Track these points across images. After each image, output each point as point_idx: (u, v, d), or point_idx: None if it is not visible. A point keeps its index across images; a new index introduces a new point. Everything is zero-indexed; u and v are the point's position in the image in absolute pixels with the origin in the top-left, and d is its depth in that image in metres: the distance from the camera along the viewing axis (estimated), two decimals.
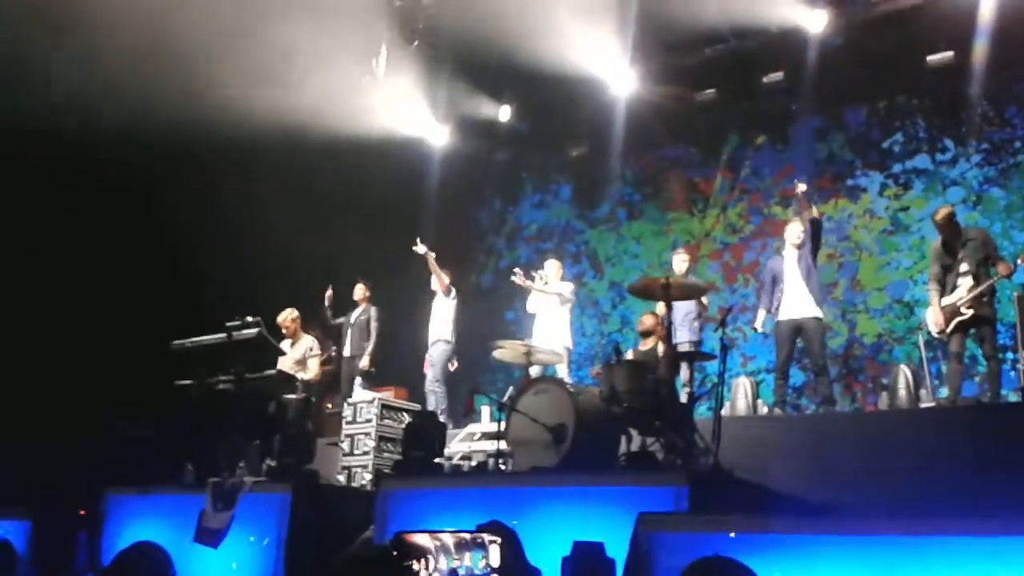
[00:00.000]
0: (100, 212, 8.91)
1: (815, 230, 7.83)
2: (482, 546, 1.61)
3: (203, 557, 6.08)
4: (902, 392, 7.77)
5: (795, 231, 7.80)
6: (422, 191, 12.50)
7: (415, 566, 1.61)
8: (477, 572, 1.73)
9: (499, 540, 1.56)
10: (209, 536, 6.10)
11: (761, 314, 7.91)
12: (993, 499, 4.72)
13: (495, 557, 1.54)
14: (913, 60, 9.75)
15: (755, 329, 8.09)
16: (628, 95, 11.13)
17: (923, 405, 7.62)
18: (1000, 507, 3.92)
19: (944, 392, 7.52)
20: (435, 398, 8.98)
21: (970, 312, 6.89)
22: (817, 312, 7.58)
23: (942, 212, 7.25)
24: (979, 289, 6.88)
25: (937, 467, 5.85)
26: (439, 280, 9.23)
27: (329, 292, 9.80)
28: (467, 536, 1.61)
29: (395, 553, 1.62)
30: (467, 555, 1.71)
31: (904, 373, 7.89)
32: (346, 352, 9.48)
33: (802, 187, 7.95)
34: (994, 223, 9.49)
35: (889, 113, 10.49)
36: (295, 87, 10.32)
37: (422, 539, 1.62)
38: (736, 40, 10.13)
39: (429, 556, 1.62)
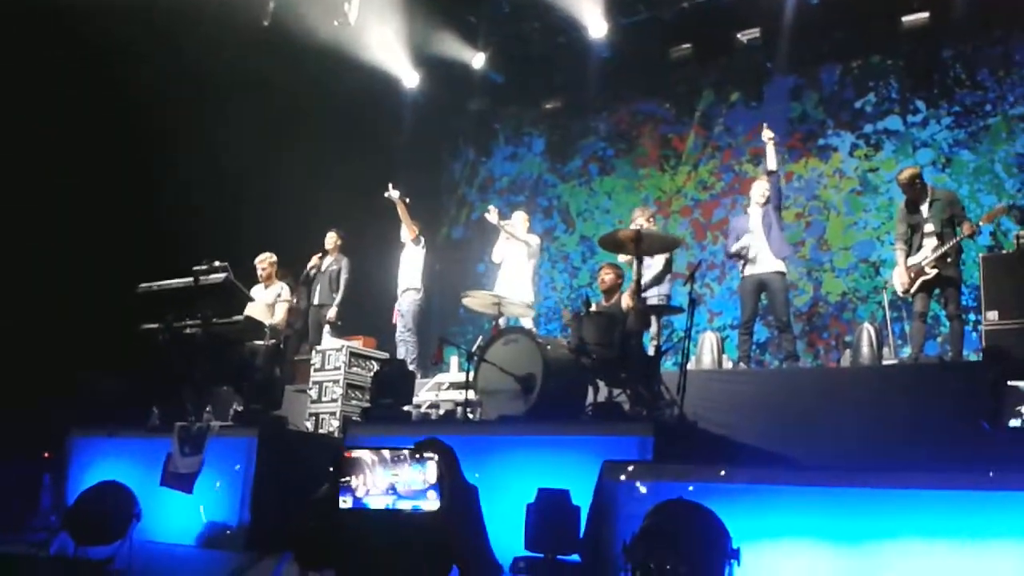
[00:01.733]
0: (63, 152, 8.72)
1: (773, 186, 7.85)
2: (420, 461, 1.64)
3: (169, 500, 6.09)
4: (865, 350, 7.88)
5: (760, 189, 7.85)
6: (396, 140, 12.38)
7: (353, 482, 1.63)
8: (415, 487, 1.76)
9: (436, 456, 1.59)
10: (178, 480, 6.10)
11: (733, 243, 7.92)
12: (954, 454, 4.83)
13: (432, 472, 1.56)
14: (888, 20, 9.76)
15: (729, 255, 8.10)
16: (603, 49, 11.06)
17: (885, 363, 7.73)
18: (961, 461, 4.02)
19: (907, 351, 7.64)
20: (405, 347, 8.98)
21: (934, 272, 6.98)
22: (780, 267, 7.64)
23: (906, 172, 7.31)
24: (943, 249, 6.96)
25: (897, 423, 5.97)
26: (408, 228, 9.18)
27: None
28: (405, 452, 1.64)
29: (332, 468, 1.65)
30: (405, 470, 1.74)
31: (868, 331, 8.00)
32: (315, 300, 9.43)
33: (769, 134, 7.97)
34: (962, 185, 9.60)
35: (863, 73, 10.52)
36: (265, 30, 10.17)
37: (361, 454, 1.64)
38: None
39: (367, 471, 1.64)
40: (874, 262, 9.96)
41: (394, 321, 9.24)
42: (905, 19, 9.68)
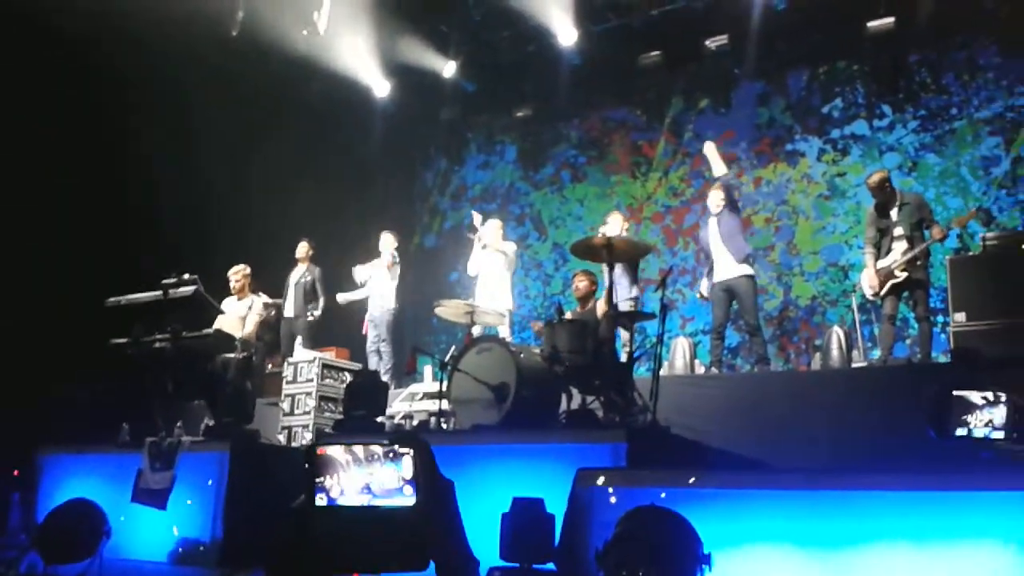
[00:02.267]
0: (31, 164, 8.62)
1: (726, 193, 7.91)
2: (395, 458, 1.63)
3: (140, 516, 6.02)
4: (835, 353, 7.94)
5: (714, 199, 7.91)
6: (367, 149, 12.36)
7: (327, 481, 1.61)
8: (389, 485, 1.75)
9: (411, 451, 1.58)
10: (150, 496, 6.03)
11: (704, 282, 8.00)
12: (923, 456, 4.88)
13: (407, 468, 1.55)
14: (854, 26, 9.88)
15: (700, 295, 8.17)
16: (573, 56, 11.12)
17: (855, 365, 7.80)
18: (930, 463, 4.06)
19: (876, 353, 7.72)
20: (379, 358, 8.97)
21: (904, 275, 7.06)
22: (746, 271, 7.68)
23: (875, 176, 7.38)
24: (913, 252, 7.04)
25: (868, 425, 6.01)
26: (388, 263, 9.15)
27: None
28: (379, 449, 1.63)
29: (306, 466, 1.63)
30: (379, 467, 1.73)
31: (837, 334, 8.07)
32: (288, 312, 9.37)
33: (709, 145, 8.05)
34: (928, 189, 9.72)
35: (829, 79, 10.64)
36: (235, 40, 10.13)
37: (335, 451, 1.62)
38: (683, 1, 10.13)
39: (341, 470, 1.63)
40: (843, 266, 10.06)
41: (364, 332, 9.21)
42: (870, 25, 9.77)
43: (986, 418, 1.79)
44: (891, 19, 9.66)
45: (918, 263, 7.07)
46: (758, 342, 7.69)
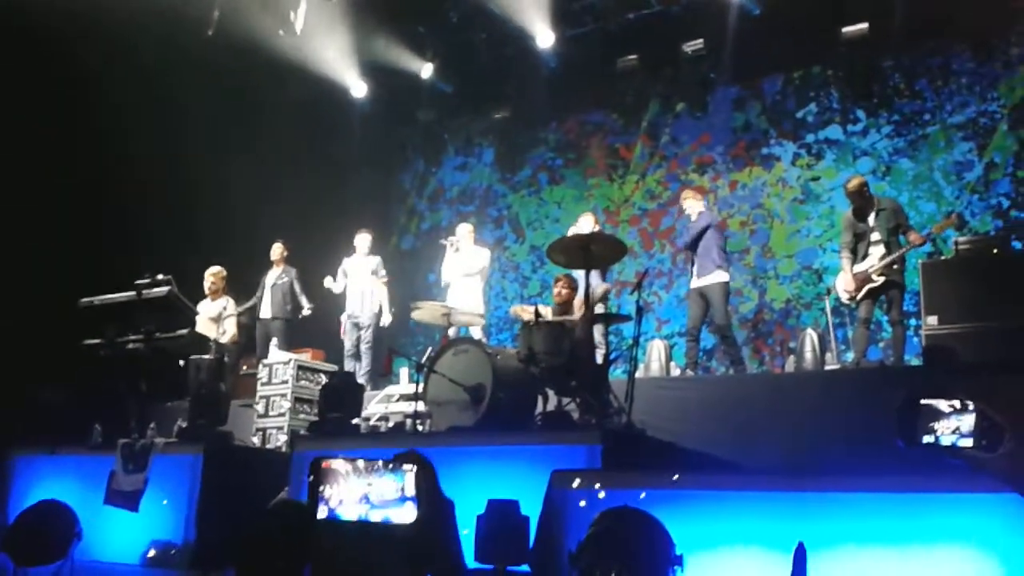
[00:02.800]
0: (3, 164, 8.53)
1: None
2: (397, 472, 1.63)
3: (113, 518, 5.97)
4: (808, 355, 8.00)
5: (694, 206, 8.19)
6: (344, 150, 12.34)
7: (327, 491, 1.62)
8: (388, 496, 1.75)
9: (414, 468, 1.59)
10: (122, 498, 5.99)
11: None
12: (897, 457, 4.92)
13: (410, 484, 1.55)
14: (828, 31, 9.96)
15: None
16: (551, 59, 11.15)
17: (828, 368, 7.87)
18: (904, 464, 4.09)
19: (850, 356, 7.79)
20: (355, 361, 8.97)
21: (881, 279, 7.14)
22: (717, 278, 7.80)
23: (854, 181, 7.47)
24: (891, 257, 7.12)
25: (841, 427, 6.06)
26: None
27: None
28: (380, 463, 1.63)
29: (311, 477, 1.64)
30: (379, 480, 1.73)
31: (811, 337, 8.14)
32: (264, 314, 9.32)
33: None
34: (902, 193, 9.81)
35: (804, 83, 10.72)
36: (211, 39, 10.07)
37: (338, 464, 1.62)
38: (659, 5, 10.18)
39: (341, 480, 1.63)
40: (817, 269, 10.13)
41: (342, 337, 9.20)
42: (845, 30, 9.88)
43: (954, 425, 1.82)
44: (865, 25, 9.76)
45: (895, 267, 7.15)
46: (728, 343, 7.78)
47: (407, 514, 1.61)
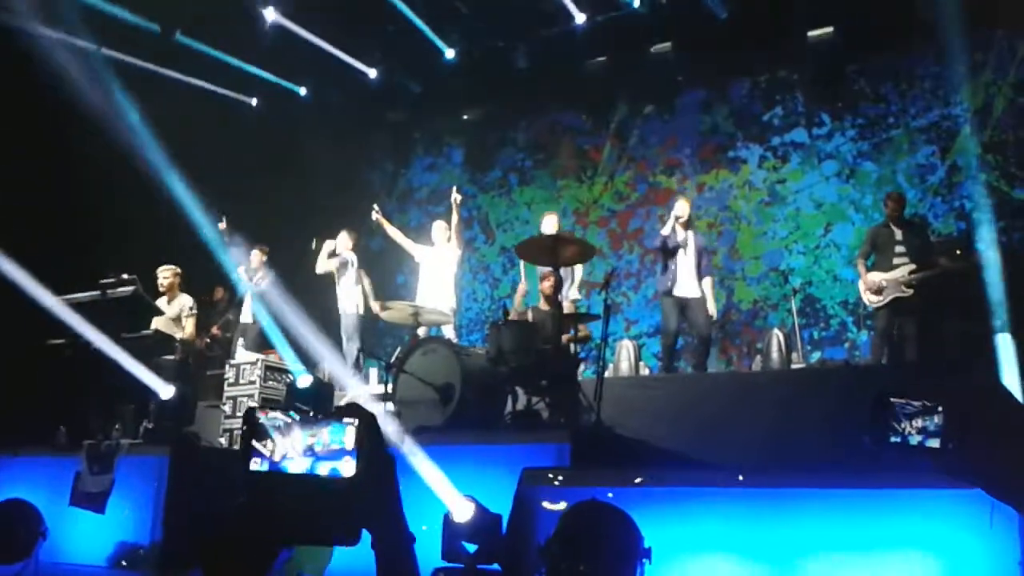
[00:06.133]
0: None
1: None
2: (339, 424, 1.62)
3: (79, 520, 5.90)
4: (775, 355, 8.11)
5: (684, 209, 8.16)
6: (314, 152, 12.27)
7: (268, 445, 1.60)
8: (334, 447, 1.74)
9: (355, 420, 1.59)
10: (88, 500, 5.93)
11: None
12: (862, 455, 4.98)
13: (351, 438, 1.55)
14: (794, 35, 10.07)
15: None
16: (520, 60, 11.17)
17: (795, 367, 7.97)
18: (867, 462, 4.15)
19: (816, 356, 7.91)
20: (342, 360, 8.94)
21: (911, 291, 7.30)
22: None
23: (897, 193, 7.82)
24: (923, 275, 7.32)
25: (808, 425, 6.13)
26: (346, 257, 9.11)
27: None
28: (322, 415, 1.63)
29: (244, 428, 1.62)
30: (324, 432, 1.72)
31: (777, 337, 8.24)
32: (246, 319, 9.25)
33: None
34: (865, 196, 9.95)
35: (770, 87, 10.84)
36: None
37: (277, 415, 1.59)
38: (627, 8, 10.22)
39: (283, 432, 1.61)
40: (783, 271, 10.23)
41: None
42: (810, 34, 9.99)
43: (921, 425, 1.85)
44: (830, 29, 9.88)
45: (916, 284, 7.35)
46: (703, 354, 7.84)
47: (349, 468, 1.61)
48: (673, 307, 7.81)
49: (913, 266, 7.38)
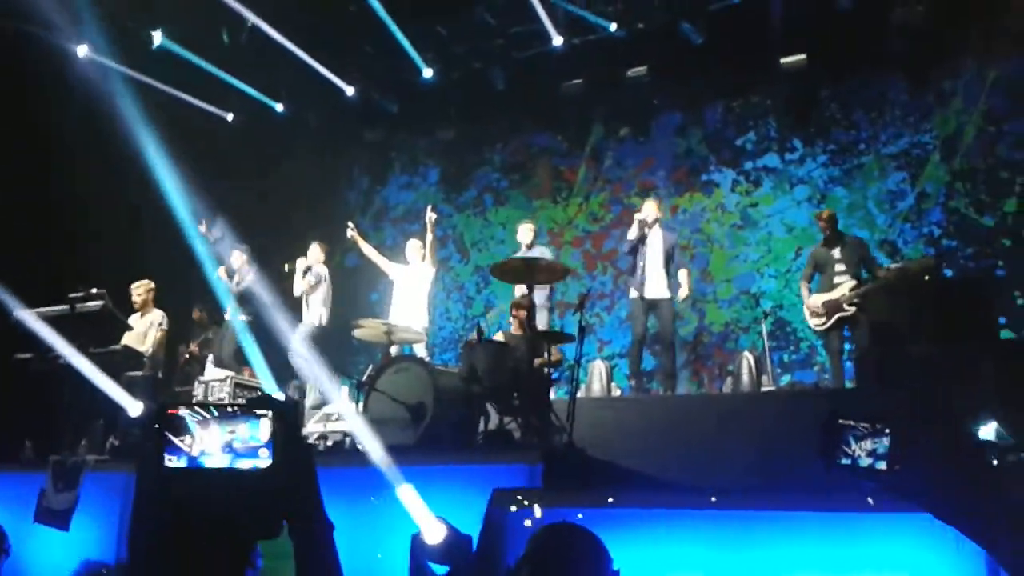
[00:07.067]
0: None
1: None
2: (253, 418, 1.61)
3: (43, 537, 5.81)
4: (745, 378, 8.17)
5: (652, 210, 8.26)
6: (290, 169, 12.25)
7: (185, 441, 1.57)
8: (252, 443, 1.72)
9: (268, 413, 1.57)
10: (52, 517, 5.83)
11: None
12: (828, 477, 5.02)
13: (265, 430, 1.53)
14: (768, 61, 10.19)
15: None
16: (498, 81, 11.23)
17: (764, 390, 8.02)
18: (834, 485, 4.18)
19: (786, 379, 7.97)
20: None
21: (852, 309, 7.35)
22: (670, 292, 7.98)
23: (828, 211, 7.92)
24: (864, 289, 7.38)
25: (776, 447, 6.17)
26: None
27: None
28: (237, 408, 1.61)
29: (156, 426, 1.59)
30: (241, 426, 1.70)
31: (748, 360, 8.30)
32: (228, 330, 9.18)
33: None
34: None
35: (744, 112, 10.96)
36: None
37: (187, 411, 1.56)
38: (603, 31, 10.31)
39: (198, 428, 1.58)
40: (755, 294, 10.28)
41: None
42: (783, 60, 10.11)
43: (870, 447, 1.86)
44: (803, 56, 10.02)
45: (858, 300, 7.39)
46: (669, 359, 7.90)
47: (264, 460, 1.60)
48: (642, 310, 7.87)
49: (854, 283, 7.44)
